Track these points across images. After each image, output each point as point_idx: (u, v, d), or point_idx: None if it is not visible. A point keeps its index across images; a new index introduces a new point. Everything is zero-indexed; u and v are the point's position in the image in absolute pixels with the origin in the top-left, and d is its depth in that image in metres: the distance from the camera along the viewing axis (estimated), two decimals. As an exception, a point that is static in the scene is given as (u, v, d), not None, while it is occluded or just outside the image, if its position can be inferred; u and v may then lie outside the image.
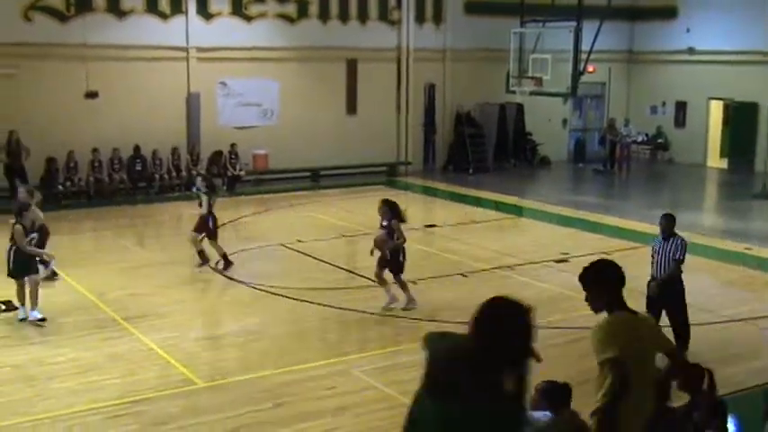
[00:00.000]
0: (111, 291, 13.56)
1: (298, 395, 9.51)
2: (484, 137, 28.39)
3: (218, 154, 23.51)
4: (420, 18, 27.75)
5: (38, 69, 22.30)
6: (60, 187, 22.40)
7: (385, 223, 12.45)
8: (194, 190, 16.09)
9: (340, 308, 12.79)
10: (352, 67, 26.82)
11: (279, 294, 13.50)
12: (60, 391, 9.54)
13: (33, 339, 11.28)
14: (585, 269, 5.25)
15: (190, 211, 21.73)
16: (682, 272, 10.54)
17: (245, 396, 9.46)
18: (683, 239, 10.56)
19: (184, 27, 24.31)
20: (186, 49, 24.31)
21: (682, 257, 10.43)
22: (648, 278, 10.60)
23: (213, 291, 14.20)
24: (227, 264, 14.99)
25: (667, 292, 10.35)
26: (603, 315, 5.25)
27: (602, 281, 5.17)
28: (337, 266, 15.45)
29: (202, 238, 15.16)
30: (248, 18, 25.23)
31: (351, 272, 15.14)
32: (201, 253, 15.10)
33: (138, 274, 14.83)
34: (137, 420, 8.82)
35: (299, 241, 17.36)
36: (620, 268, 5.23)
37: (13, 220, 12.11)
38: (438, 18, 28.12)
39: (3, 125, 21.50)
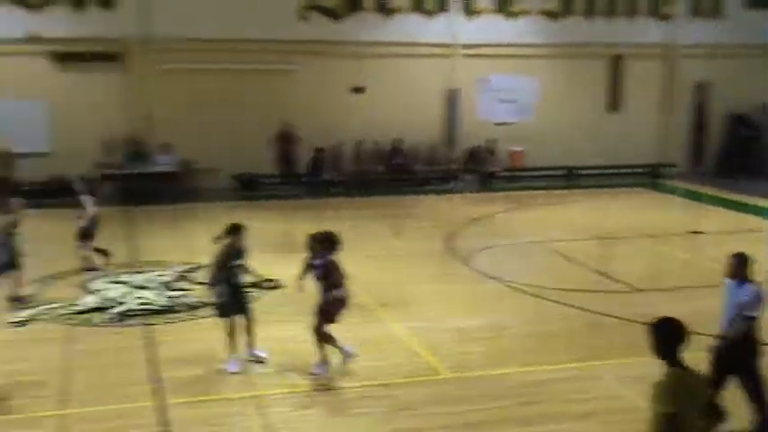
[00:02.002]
0: (366, 277, 14.06)
1: (543, 395, 9.41)
2: (761, 140, 26.49)
3: (476, 149, 23.77)
4: (695, 12, 26.41)
5: (311, 65, 23.71)
6: (326, 177, 23.69)
7: (318, 262, 9.98)
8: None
9: (590, 311, 12.50)
10: (615, 63, 26.07)
11: (528, 292, 13.42)
12: (311, 367, 10.07)
13: (292, 317, 11.98)
14: (656, 325, 5.69)
15: (445, 204, 22.30)
16: (756, 330, 8.15)
17: (490, 391, 9.50)
18: (759, 289, 8.07)
19: (448, 24, 24.78)
20: (450, 46, 24.76)
21: (755, 314, 8.03)
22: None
23: (463, 284, 14.37)
24: None
25: (735, 353, 8.14)
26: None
27: (669, 339, 5.63)
28: (590, 268, 15.11)
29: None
30: (512, 15, 25.24)
31: (603, 274, 14.74)
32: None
33: (393, 263, 15.35)
34: (385, 404, 9.13)
35: (551, 240, 17.15)
36: (685, 329, 5.63)
37: None
38: (715, 12, 26.60)
39: (279, 116, 23.10)
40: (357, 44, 23.97)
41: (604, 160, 25.76)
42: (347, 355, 10.06)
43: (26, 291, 12.92)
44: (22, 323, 11.57)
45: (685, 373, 5.63)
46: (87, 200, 14.80)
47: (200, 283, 13.53)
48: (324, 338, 9.80)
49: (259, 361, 10.11)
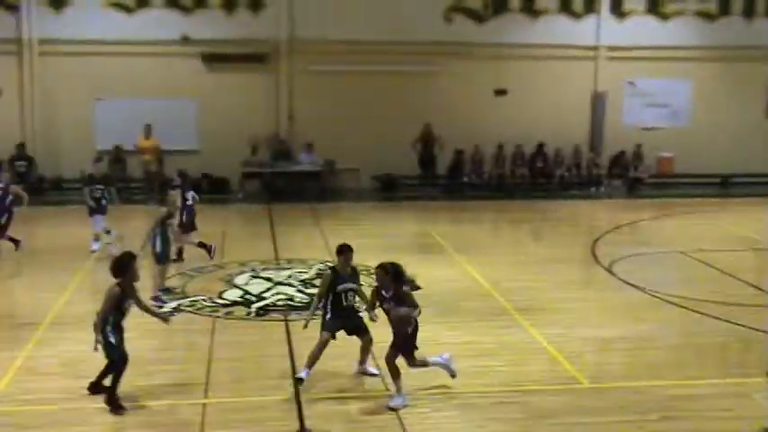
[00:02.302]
0: (505, 281, 13.90)
1: (688, 411, 8.94)
2: None
3: (621, 154, 23.04)
4: None
5: (454, 67, 23.62)
6: (465, 179, 23.53)
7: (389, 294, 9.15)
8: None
9: (743, 326, 11.82)
10: (776, 66, 24.76)
11: (675, 303, 12.84)
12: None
13: (431, 319, 11.88)
14: None
15: (588, 210, 21.72)
16: None
17: (631, 403, 9.10)
18: None
19: (596, 26, 24.18)
20: (596, 48, 24.15)
21: None
22: None
23: (606, 292, 13.90)
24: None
25: None
26: None
27: None
28: (743, 281, 14.32)
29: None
30: (664, 16, 24.37)
31: (758, 288, 13.94)
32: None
33: (533, 268, 15.04)
34: (522, 410, 8.90)
35: (702, 250, 16.38)
36: None
37: None
38: None
39: (420, 118, 23.11)
40: (500, 46, 23.71)
41: (763, 168, 24.48)
42: (449, 371, 9.44)
43: (171, 282, 13.37)
44: (168, 314, 11.95)
45: None
46: (189, 193, 15.21)
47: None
48: (394, 371, 8.97)
49: (372, 374, 9.75)
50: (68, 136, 22.92)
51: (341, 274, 9.51)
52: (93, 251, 15.58)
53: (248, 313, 12.12)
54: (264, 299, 12.74)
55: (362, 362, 9.76)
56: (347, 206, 21.85)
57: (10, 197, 15.12)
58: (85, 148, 22.08)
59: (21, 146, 22.39)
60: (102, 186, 16.07)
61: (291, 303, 12.57)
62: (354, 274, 9.71)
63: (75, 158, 22.39)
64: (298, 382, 9.14)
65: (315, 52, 22.98)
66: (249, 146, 22.90)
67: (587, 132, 24.59)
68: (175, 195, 13.92)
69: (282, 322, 11.73)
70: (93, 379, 8.90)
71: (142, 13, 22.89)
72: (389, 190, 23.54)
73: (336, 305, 9.43)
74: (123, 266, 8.68)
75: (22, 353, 10.26)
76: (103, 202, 15.99)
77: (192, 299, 12.68)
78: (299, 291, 13.18)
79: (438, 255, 16.14)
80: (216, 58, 23.06)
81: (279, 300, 12.73)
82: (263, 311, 12.21)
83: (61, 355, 10.16)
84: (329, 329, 9.39)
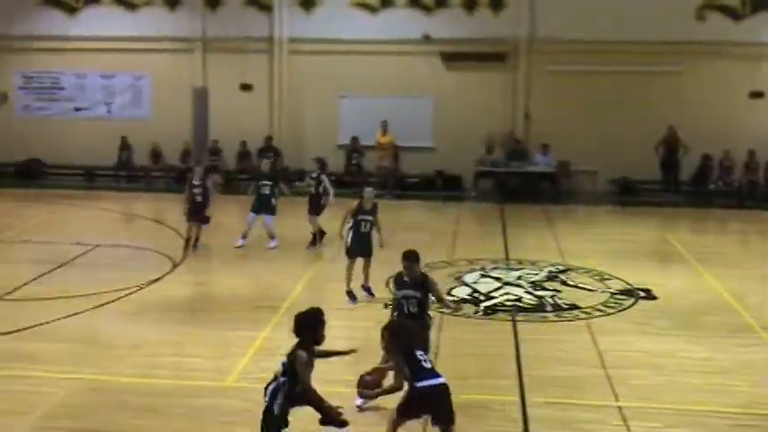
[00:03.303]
0: (752, 296, 12.96)
1: None
2: None
3: None
4: None
5: (700, 67, 22.39)
6: (712, 186, 22.21)
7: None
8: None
9: None
10: None
11: None
12: (688, 386, 9.39)
13: (667, 331, 11.32)
14: None
15: None
16: None
17: None
18: None
19: None
20: None
21: None
22: None
23: None
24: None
25: None
26: None
27: None
28: None
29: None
30: None
31: None
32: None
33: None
34: (763, 435, 8.26)
35: None
36: None
37: None
38: None
39: (662, 120, 22.07)
40: (758, 45, 22.17)
41: None
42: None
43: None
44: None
45: None
46: (325, 180, 16.00)
47: (568, 285, 13.36)
48: None
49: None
50: (312, 131, 24.03)
51: (402, 280, 8.92)
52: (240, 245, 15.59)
53: (476, 311, 12.09)
54: (493, 298, 12.67)
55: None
56: (582, 209, 21.30)
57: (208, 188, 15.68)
58: (328, 143, 23.06)
59: (268, 138, 23.76)
60: (269, 182, 15.79)
61: (520, 304, 12.41)
62: (418, 282, 8.88)
63: (318, 153, 23.44)
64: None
65: (554, 52, 22.60)
66: (484, 145, 22.91)
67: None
68: (371, 192, 12.90)
69: (509, 322, 11.60)
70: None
71: (386, 13, 23.54)
72: (627, 194, 22.68)
73: (399, 312, 8.87)
74: (310, 325, 7.07)
75: (263, 333, 10.83)
76: (273, 200, 15.68)
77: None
78: (528, 292, 12.98)
79: (677, 264, 15.34)
80: (455, 57, 23.27)
81: (507, 300, 12.61)
82: (490, 310, 12.14)
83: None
84: None
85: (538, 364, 9.97)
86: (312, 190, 16.01)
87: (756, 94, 22.28)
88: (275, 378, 6.94)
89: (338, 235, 12.84)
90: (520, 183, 22.87)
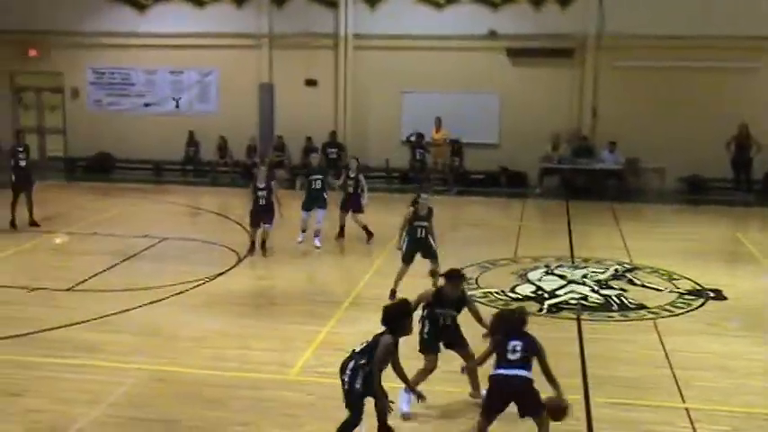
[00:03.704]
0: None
1: None
2: None
3: None
4: None
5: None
6: (785, 185, 21.62)
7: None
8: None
9: None
10: None
11: None
12: (757, 389, 9.15)
13: (737, 332, 11.05)
14: None
15: None
16: None
17: None
18: None
19: None
20: None
21: None
22: None
23: None
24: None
25: None
26: None
27: None
28: None
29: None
30: None
31: None
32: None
33: None
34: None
35: None
36: None
37: None
38: None
39: (735, 118, 21.52)
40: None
41: None
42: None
43: (467, 273, 13.50)
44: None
45: None
46: (362, 179, 15.98)
47: (635, 284, 13.13)
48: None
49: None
50: (376, 126, 24.08)
51: (444, 299, 8.52)
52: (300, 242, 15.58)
53: (540, 309, 11.94)
54: (557, 296, 12.52)
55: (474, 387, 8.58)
56: (650, 207, 20.92)
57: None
58: (391, 139, 23.09)
59: (332, 134, 23.88)
60: (320, 176, 15.78)
61: (585, 303, 12.24)
62: (458, 299, 8.56)
63: (381, 148, 23.54)
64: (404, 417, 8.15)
65: (623, 47, 22.24)
66: (550, 141, 22.66)
67: None
68: (426, 198, 12.58)
69: (574, 321, 11.45)
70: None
71: (451, 9, 23.45)
72: (696, 192, 22.21)
73: (432, 325, 8.54)
74: (398, 316, 7.22)
75: (325, 328, 10.88)
76: (325, 194, 15.66)
77: (484, 290, 12.75)
78: (594, 291, 12.79)
79: (748, 264, 14.96)
80: (521, 53, 23.06)
81: (572, 298, 12.44)
82: (555, 309, 11.99)
83: (358, 333, 10.65)
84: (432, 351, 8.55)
85: (602, 363, 9.82)
86: (350, 189, 15.95)
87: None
88: (351, 356, 7.17)
89: (396, 244, 12.57)
90: (586, 180, 22.57)
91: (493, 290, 12.78)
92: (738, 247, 16.42)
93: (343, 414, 7.26)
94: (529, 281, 13.36)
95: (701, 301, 12.41)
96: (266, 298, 12.79)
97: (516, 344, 7.24)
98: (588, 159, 22.52)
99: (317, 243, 15.60)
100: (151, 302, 11.88)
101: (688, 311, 11.96)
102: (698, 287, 13.03)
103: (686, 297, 12.58)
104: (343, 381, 7.13)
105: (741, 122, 21.54)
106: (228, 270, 13.89)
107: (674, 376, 9.36)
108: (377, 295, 11.85)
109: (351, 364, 7.12)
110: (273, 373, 9.35)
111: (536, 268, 14.13)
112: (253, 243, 14.93)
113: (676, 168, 22.08)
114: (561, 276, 13.59)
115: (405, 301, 7.46)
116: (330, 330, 10.82)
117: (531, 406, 7.13)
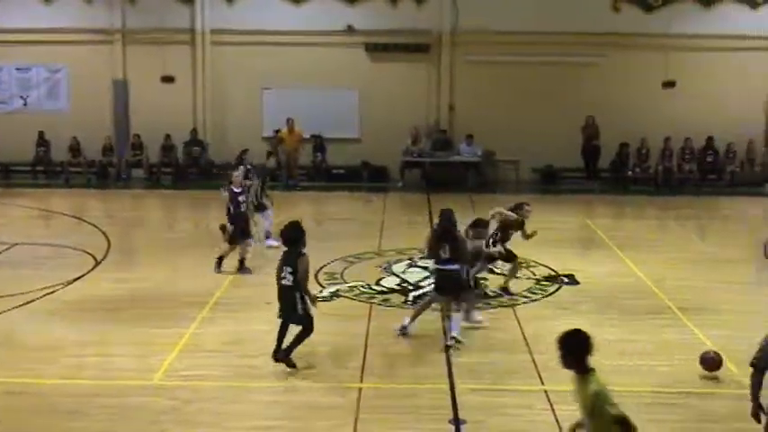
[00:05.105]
0: (669, 279, 13.35)
1: None
2: None
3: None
4: None
5: (618, 58, 22.95)
6: (630, 173, 22.80)
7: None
8: None
9: None
10: None
11: None
12: (610, 367, 9.54)
13: (589, 314, 11.55)
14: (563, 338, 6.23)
15: (760, 208, 20.54)
16: None
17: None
18: None
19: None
20: (774, 38, 22.85)
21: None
22: None
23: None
24: None
25: None
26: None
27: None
28: None
29: None
30: None
31: None
32: None
33: (699, 267, 14.40)
34: (683, 413, 8.52)
35: None
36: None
37: None
38: None
39: (582, 110, 22.55)
40: (669, 36, 22.79)
41: None
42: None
43: (331, 268, 13.58)
44: (326, 299, 12.13)
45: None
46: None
47: (495, 272, 13.53)
48: None
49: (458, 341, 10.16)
50: (236, 124, 23.83)
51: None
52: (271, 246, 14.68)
53: (405, 301, 12.18)
54: (421, 287, 12.77)
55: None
56: (506, 198, 21.54)
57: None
58: (252, 136, 22.90)
59: (193, 131, 23.48)
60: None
61: (446, 293, 12.52)
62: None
63: (242, 145, 23.20)
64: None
65: (477, 43, 22.88)
66: (410, 135, 23.04)
67: (763, 127, 23.28)
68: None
69: (438, 311, 11.71)
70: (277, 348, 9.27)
71: (310, 4, 23.47)
72: (550, 182, 23.12)
73: None
74: (300, 235, 9.31)
75: (189, 330, 10.72)
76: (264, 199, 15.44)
77: (350, 284, 12.87)
78: (455, 281, 13.10)
79: (599, 249, 15.72)
80: (379, 48, 23.35)
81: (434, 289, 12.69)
82: (419, 300, 12.23)
83: (222, 333, 10.57)
84: None
85: (466, 351, 10.10)
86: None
87: (668, 84, 22.92)
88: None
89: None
90: (445, 173, 23.09)
91: (358, 283, 12.91)
92: (589, 234, 17.21)
93: (207, 418, 7.49)
94: (393, 273, 13.58)
95: (556, 286, 12.96)
96: (126, 302, 12.41)
97: None
98: (447, 152, 23.05)
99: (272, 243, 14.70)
100: (3, 311, 11.38)
101: (544, 297, 12.46)
102: (553, 273, 13.59)
103: (542, 283, 13.11)
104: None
105: (588, 114, 22.58)
106: (85, 275, 13.45)
107: (533, 360, 9.73)
108: (244, 294, 11.76)
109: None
110: (136, 379, 9.14)
111: (400, 261, 14.37)
112: (222, 258, 13.51)
113: (531, 159, 22.92)
114: (424, 268, 13.84)
115: (294, 222, 9.53)
116: (194, 332, 10.67)
117: None
